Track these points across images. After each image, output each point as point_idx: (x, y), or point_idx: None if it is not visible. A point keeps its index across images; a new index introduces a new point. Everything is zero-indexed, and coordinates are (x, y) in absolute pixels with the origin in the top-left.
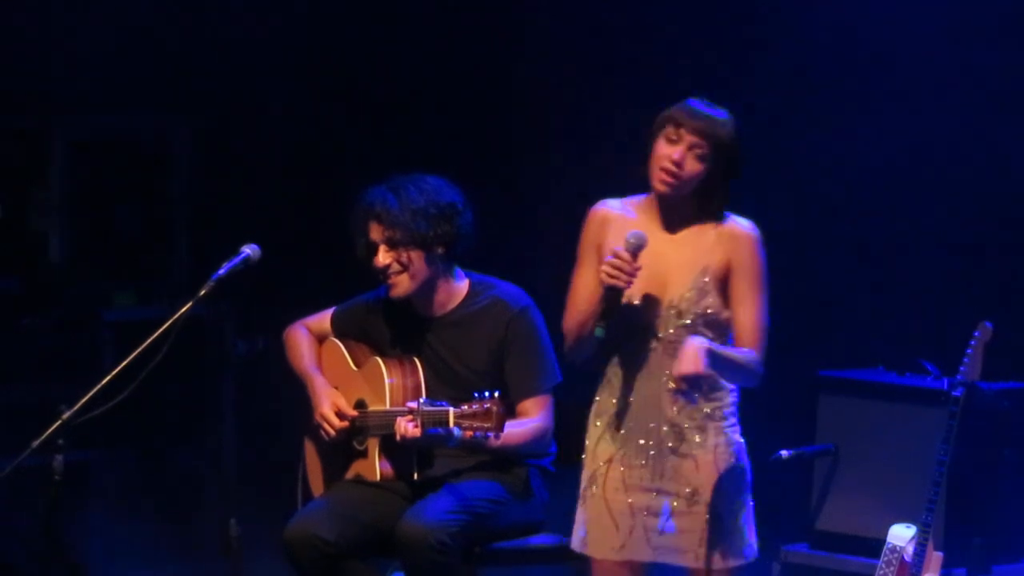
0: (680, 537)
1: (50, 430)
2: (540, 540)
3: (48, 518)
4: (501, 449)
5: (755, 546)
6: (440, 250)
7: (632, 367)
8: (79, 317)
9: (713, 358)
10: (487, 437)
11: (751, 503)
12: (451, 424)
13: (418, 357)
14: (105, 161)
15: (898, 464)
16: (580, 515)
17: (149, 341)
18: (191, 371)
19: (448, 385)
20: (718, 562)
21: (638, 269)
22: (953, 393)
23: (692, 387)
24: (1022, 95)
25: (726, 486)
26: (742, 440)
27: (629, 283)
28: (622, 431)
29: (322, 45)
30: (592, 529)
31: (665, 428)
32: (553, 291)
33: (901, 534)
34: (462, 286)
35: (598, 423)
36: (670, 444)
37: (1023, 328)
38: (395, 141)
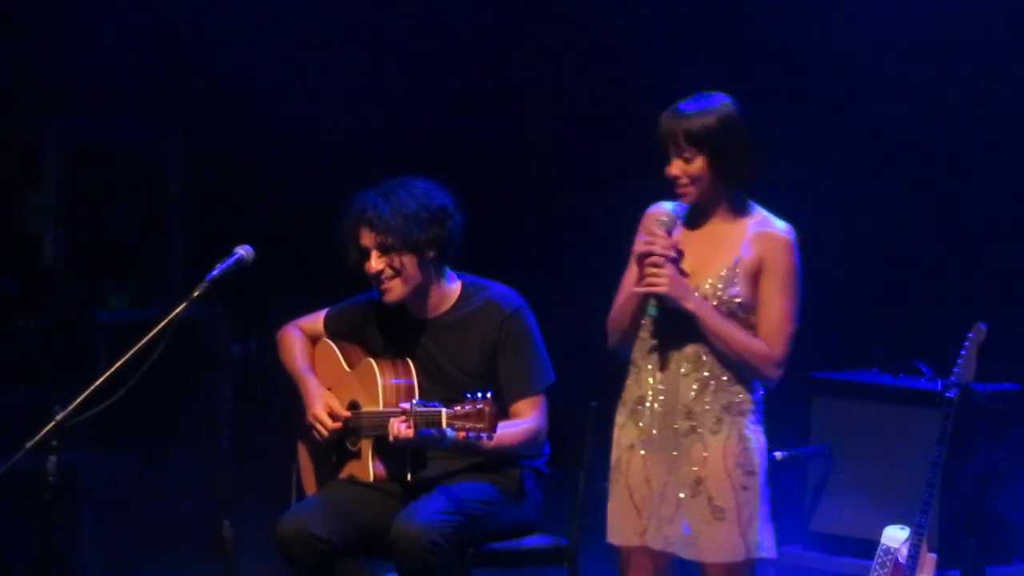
0: (684, 529)
1: (44, 431)
2: (533, 541)
3: (42, 519)
4: (494, 450)
5: (767, 547)
6: (432, 254)
7: (654, 351)
8: (73, 319)
9: (706, 313)
10: (480, 438)
11: (764, 503)
12: (444, 425)
13: (411, 358)
14: (99, 163)
15: (892, 465)
16: (608, 505)
17: (143, 342)
18: (185, 373)
19: (441, 386)
20: (716, 556)
21: (675, 243)
22: (947, 394)
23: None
24: (1017, 97)
25: (732, 481)
26: (762, 439)
27: (668, 256)
28: (644, 417)
29: (317, 46)
30: (615, 515)
31: (682, 414)
32: (549, 292)
33: (895, 535)
34: (455, 288)
35: (622, 411)
36: (685, 430)
37: (1017, 329)
38: (389, 143)
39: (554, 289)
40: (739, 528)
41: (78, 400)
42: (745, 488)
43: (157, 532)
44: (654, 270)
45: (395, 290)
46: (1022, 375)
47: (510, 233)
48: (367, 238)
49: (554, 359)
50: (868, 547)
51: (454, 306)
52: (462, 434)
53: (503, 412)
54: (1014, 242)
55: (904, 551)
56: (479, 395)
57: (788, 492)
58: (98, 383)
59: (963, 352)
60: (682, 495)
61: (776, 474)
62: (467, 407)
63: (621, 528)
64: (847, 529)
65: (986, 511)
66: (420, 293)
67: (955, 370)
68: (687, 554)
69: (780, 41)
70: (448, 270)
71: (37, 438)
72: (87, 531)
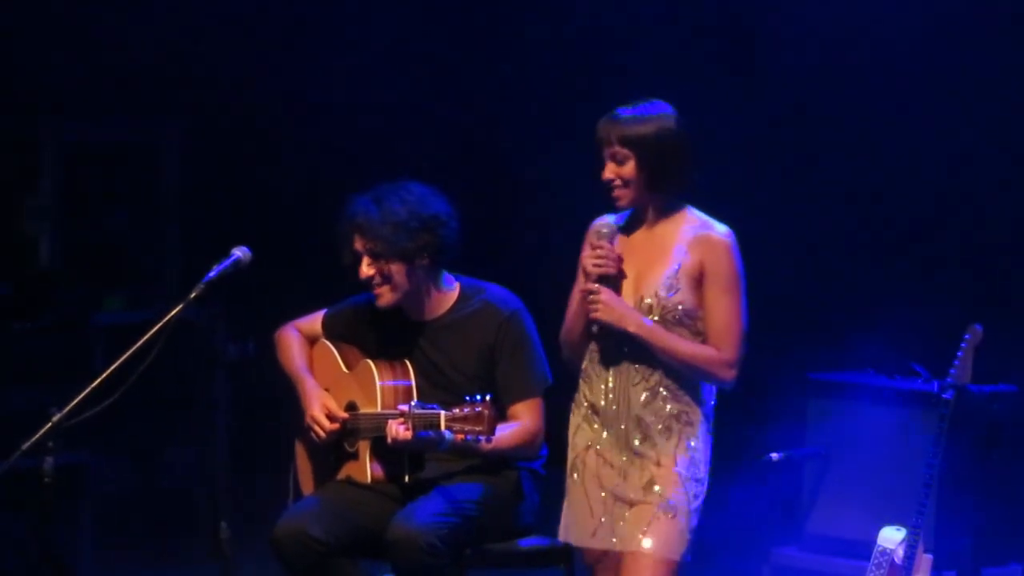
0: (633, 526)
1: (40, 433)
2: (531, 542)
3: (38, 521)
4: (492, 452)
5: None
6: (424, 261)
7: (605, 361)
8: (70, 321)
9: (648, 332)
10: (478, 440)
11: (698, 507)
12: (442, 427)
13: (409, 360)
14: (96, 166)
15: (888, 467)
16: (564, 504)
17: (139, 344)
18: (182, 374)
19: (439, 389)
20: (660, 551)
21: (619, 254)
22: (943, 396)
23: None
24: (1016, 100)
25: (683, 485)
26: (708, 452)
27: (617, 268)
28: (597, 422)
29: (316, 48)
30: (571, 516)
31: (632, 422)
32: (547, 294)
33: (891, 536)
34: (452, 291)
35: (577, 414)
36: (636, 438)
37: (1013, 331)
38: (385, 145)
39: (551, 291)
40: (687, 528)
41: (75, 402)
42: (696, 496)
43: (154, 533)
44: (591, 297)
45: (385, 296)
46: (1018, 376)
47: (508, 234)
48: (358, 243)
49: (551, 361)
50: (864, 548)
51: (452, 308)
52: (460, 436)
53: (501, 414)
54: (1010, 243)
55: (900, 552)
56: (478, 398)
57: (784, 493)
58: (95, 384)
59: (959, 353)
60: (632, 496)
61: (772, 475)
62: (465, 409)
63: (575, 527)
64: (843, 530)
65: (982, 512)
66: (415, 297)
67: (951, 371)
68: (629, 548)
69: (780, 40)
70: (445, 273)
71: (34, 439)
72: (84, 532)
